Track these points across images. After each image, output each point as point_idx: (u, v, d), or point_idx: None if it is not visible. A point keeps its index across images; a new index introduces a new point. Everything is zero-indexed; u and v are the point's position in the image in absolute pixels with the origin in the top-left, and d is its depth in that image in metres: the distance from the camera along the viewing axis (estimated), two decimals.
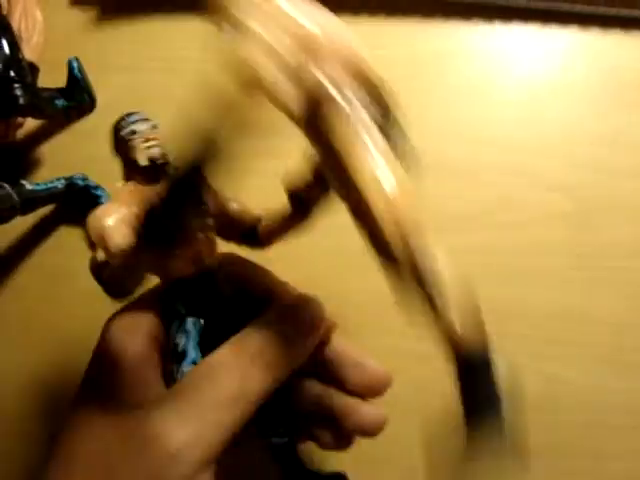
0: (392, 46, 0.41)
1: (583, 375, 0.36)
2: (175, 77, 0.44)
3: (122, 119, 0.27)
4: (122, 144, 0.27)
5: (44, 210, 0.43)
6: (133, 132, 0.27)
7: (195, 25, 0.44)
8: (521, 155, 0.39)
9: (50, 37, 0.45)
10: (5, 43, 0.38)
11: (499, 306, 0.37)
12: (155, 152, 0.26)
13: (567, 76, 0.40)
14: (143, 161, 0.26)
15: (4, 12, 0.40)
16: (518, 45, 0.40)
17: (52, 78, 0.43)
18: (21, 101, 0.38)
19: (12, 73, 0.38)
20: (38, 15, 0.43)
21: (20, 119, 0.43)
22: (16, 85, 0.38)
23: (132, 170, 0.27)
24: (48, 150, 0.44)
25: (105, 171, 0.43)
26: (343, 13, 0.42)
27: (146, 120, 0.27)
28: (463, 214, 0.39)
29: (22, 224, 0.43)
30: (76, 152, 0.44)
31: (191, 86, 0.42)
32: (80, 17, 0.46)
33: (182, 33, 0.44)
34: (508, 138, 0.39)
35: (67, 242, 0.43)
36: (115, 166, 0.43)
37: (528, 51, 0.40)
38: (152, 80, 0.44)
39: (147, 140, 0.26)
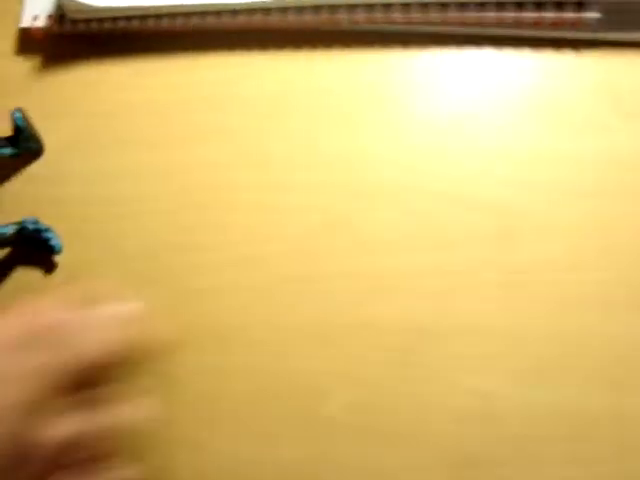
0: (328, 77, 0.43)
1: (513, 389, 0.37)
2: (118, 120, 0.46)
3: None
4: None
5: None
6: None
7: (130, 68, 0.46)
8: (439, 179, 0.40)
9: None
10: None
11: (429, 324, 0.39)
12: None
13: (483, 99, 0.41)
14: None
15: None
16: (436, 69, 0.42)
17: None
18: None
19: None
20: None
21: None
22: None
23: None
24: None
25: (55, 213, 0.45)
26: (268, 50, 0.44)
27: None
28: (386, 238, 0.40)
29: None
30: (26, 196, 0.46)
31: (136, 129, 0.44)
32: (24, 65, 0.48)
33: (118, 76, 0.46)
34: (428, 164, 0.40)
35: (24, 284, 0.45)
36: (65, 208, 0.45)
37: (446, 75, 0.41)
38: (97, 124, 0.46)
39: None
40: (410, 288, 0.39)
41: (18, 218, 0.44)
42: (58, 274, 0.45)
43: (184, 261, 0.43)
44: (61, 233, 0.45)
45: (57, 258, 0.45)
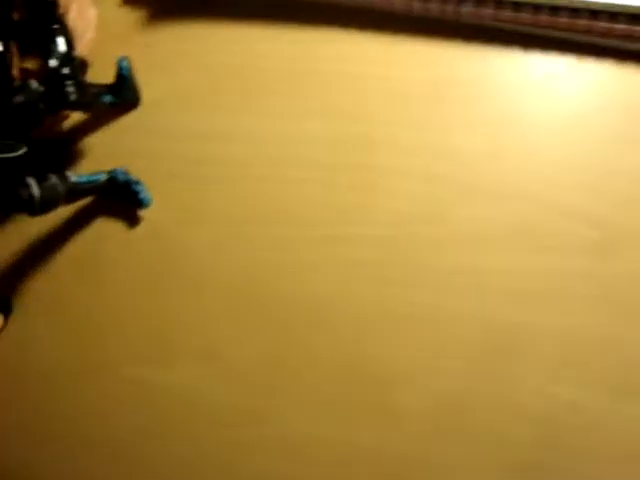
0: (429, 69, 0.42)
1: (593, 400, 0.37)
2: (216, 81, 0.45)
3: None
4: None
5: (84, 200, 0.45)
6: None
7: (239, 31, 0.46)
8: (544, 185, 0.40)
9: (100, 33, 0.47)
10: (62, 41, 0.40)
11: (520, 327, 0.39)
12: None
13: (598, 111, 0.40)
14: None
15: (61, 11, 0.41)
16: (552, 77, 0.41)
17: (101, 72, 0.45)
18: (71, 97, 0.40)
19: (65, 70, 0.40)
20: (92, 13, 0.45)
21: (67, 112, 0.45)
22: (68, 82, 0.40)
23: None
24: (92, 143, 0.46)
25: (146, 167, 0.45)
26: (385, 32, 0.43)
27: None
28: (485, 236, 0.40)
29: (63, 213, 0.45)
30: (119, 146, 0.46)
31: (236, 94, 0.44)
32: (130, 15, 0.47)
33: (227, 38, 0.46)
34: (535, 169, 0.40)
35: (104, 236, 0.45)
36: (157, 163, 0.45)
37: (562, 83, 0.41)
38: (198, 83, 0.46)
39: None
40: (501, 287, 0.39)
41: (109, 167, 0.44)
42: (141, 229, 0.45)
43: (271, 233, 0.43)
44: (148, 187, 0.45)
45: (142, 212, 0.45)
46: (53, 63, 0.40)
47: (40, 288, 0.46)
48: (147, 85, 0.46)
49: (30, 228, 0.46)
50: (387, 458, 0.39)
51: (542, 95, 0.41)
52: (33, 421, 0.44)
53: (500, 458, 0.38)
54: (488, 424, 0.38)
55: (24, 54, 0.44)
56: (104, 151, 0.46)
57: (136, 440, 0.43)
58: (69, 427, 0.44)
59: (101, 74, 0.45)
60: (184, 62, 0.46)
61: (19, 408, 0.45)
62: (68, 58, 0.40)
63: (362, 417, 0.40)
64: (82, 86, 0.41)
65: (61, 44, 0.40)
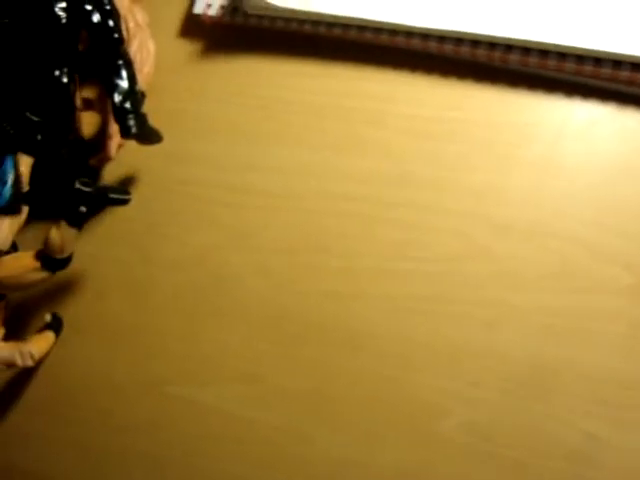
0: (474, 111, 0.44)
1: (624, 438, 0.39)
2: (266, 115, 0.47)
3: None
4: None
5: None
6: None
7: (290, 68, 0.48)
8: (585, 228, 0.42)
9: (156, 64, 0.49)
10: (126, 77, 0.42)
11: (556, 363, 0.40)
12: None
13: (637, 158, 0.42)
14: None
15: (125, 45, 0.43)
16: (593, 122, 0.43)
17: (156, 102, 0.47)
18: (133, 130, 0.42)
19: (127, 105, 0.42)
20: (152, 47, 0.47)
21: (123, 140, 0.47)
22: (130, 116, 0.42)
23: None
24: (139, 170, 0.48)
25: (195, 194, 0.47)
26: (432, 74, 0.45)
27: None
28: (525, 274, 0.42)
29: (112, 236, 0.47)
30: (168, 174, 0.48)
31: (283, 127, 0.46)
32: (186, 48, 0.50)
33: (278, 74, 0.48)
34: (575, 212, 0.42)
35: (152, 257, 0.47)
36: (205, 191, 0.47)
37: (604, 130, 0.43)
38: (245, 115, 0.48)
39: None
40: (537, 325, 0.41)
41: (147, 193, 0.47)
42: (188, 253, 0.47)
43: (317, 263, 0.44)
44: (191, 213, 0.47)
45: (189, 237, 0.47)
46: (117, 98, 0.42)
47: (89, 307, 0.48)
48: (196, 114, 0.48)
49: (82, 248, 0.47)
50: None
51: (584, 139, 0.43)
52: (81, 436, 0.46)
53: None
54: (521, 456, 0.40)
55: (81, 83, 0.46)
56: (151, 178, 0.48)
57: (179, 456, 0.44)
58: (116, 439, 0.45)
59: (154, 103, 0.47)
60: (235, 95, 0.48)
61: (67, 423, 0.47)
62: (131, 92, 0.42)
63: (400, 444, 0.41)
64: (143, 121, 0.43)
65: (125, 79, 0.42)
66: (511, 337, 0.41)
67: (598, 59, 0.41)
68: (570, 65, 0.42)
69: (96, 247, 0.49)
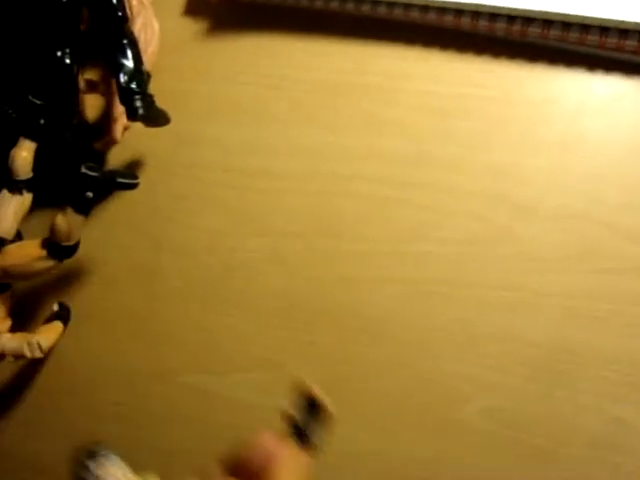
0: (493, 87, 0.43)
1: None
2: (276, 94, 0.46)
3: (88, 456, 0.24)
4: None
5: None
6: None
7: (300, 45, 0.46)
8: (607, 207, 0.40)
9: (161, 44, 0.47)
10: (131, 56, 0.41)
11: (578, 346, 0.39)
12: None
13: None
14: None
15: (129, 24, 0.41)
16: (618, 97, 0.41)
17: (160, 82, 0.45)
18: (140, 112, 0.41)
19: (134, 85, 0.41)
20: (156, 26, 0.45)
21: (129, 122, 0.45)
22: (137, 97, 0.40)
23: None
24: (144, 152, 0.47)
25: (203, 177, 0.46)
26: (449, 50, 0.43)
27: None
28: (546, 256, 0.40)
29: (120, 224, 0.46)
30: (175, 156, 0.47)
31: (295, 106, 0.44)
32: (192, 26, 0.48)
33: (287, 52, 0.46)
34: (598, 191, 0.41)
35: (162, 244, 0.46)
36: (213, 174, 0.46)
37: (625, 104, 0.41)
38: (253, 94, 0.46)
39: None
40: (562, 308, 0.40)
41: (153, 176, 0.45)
42: (198, 239, 0.45)
43: (333, 247, 0.43)
44: (200, 197, 0.46)
45: (199, 221, 0.46)
46: (123, 79, 0.40)
47: (98, 296, 0.47)
48: (203, 95, 0.47)
49: (88, 235, 0.46)
50: (444, 473, 0.40)
51: (606, 115, 0.41)
52: (91, 428, 0.45)
53: (558, 477, 0.38)
54: (544, 443, 0.39)
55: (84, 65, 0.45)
56: (157, 161, 0.47)
57: (193, 447, 0.43)
58: (128, 432, 0.45)
59: (160, 83, 0.45)
60: (243, 74, 0.47)
61: (77, 414, 0.46)
62: (137, 72, 0.41)
63: (420, 432, 0.40)
64: (150, 102, 0.41)
65: (130, 59, 0.41)
66: (533, 321, 0.40)
67: (624, 30, 0.39)
68: (593, 38, 0.40)
69: (102, 233, 0.47)
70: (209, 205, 0.46)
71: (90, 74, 0.46)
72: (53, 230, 0.40)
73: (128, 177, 0.41)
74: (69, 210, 0.40)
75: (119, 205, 0.48)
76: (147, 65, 0.44)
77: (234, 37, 0.47)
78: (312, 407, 0.30)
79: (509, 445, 0.39)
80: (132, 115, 0.41)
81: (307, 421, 0.29)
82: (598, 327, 0.39)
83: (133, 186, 0.40)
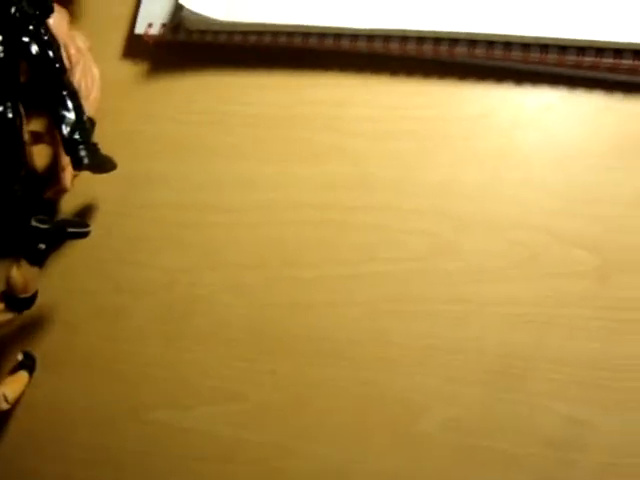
0: (426, 107, 0.44)
1: (603, 418, 0.40)
2: (217, 129, 0.47)
3: None
4: None
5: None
6: None
7: (238, 80, 0.47)
8: (546, 214, 0.42)
9: (102, 88, 0.48)
10: (71, 107, 0.41)
11: (528, 351, 0.41)
12: None
13: (594, 140, 0.42)
14: None
15: (68, 74, 0.42)
16: (546, 109, 0.43)
17: (105, 126, 0.46)
18: (85, 161, 0.41)
19: (77, 136, 0.41)
20: (96, 72, 0.46)
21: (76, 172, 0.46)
22: (81, 147, 0.41)
23: None
24: (96, 197, 0.48)
25: (155, 217, 0.47)
26: (381, 74, 0.45)
27: None
28: (492, 267, 0.42)
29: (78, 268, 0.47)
30: (126, 198, 0.47)
31: (238, 141, 0.46)
32: (131, 69, 0.49)
33: (225, 88, 0.47)
34: (535, 199, 0.42)
35: (121, 285, 0.47)
36: (165, 213, 0.46)
37: (556, 115, 0.43)
38: (199, 133, 0.47)
39: None
40: (510, 315, 0.41)
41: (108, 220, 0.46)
42: (156, 278, 0.46)
43: (285, 276, 0.44)
44: (155, 236, 0.46)
45: (156, 260, 0.46)
46: (65, 130, 0.41)
47: (63, 342, 0.47)
48: (150, 137, 0.48)
49: (48, 282, 0.47)
50: None
51: (538, 126, 0.43)
52: (67, 472, 0.46)
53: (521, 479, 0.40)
54: (505, 447, 0.40)
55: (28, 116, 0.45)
56: (111, 205, 0.47)
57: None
58: (104, 476, 0.45)
59: (103, 128, 0.46)
60: (185, 113, 0.48)
61: (51, 460, 0.46)
62: (79, 123, 0.42)
63: (384, 447, 0.41)
64: (94, 150, 0.42)
65: (71, 110, 0.41)
66: (483, 330, 0.41)
67: (544, 45, 0.41)
68: (516, 54, 0.42)
69: (63, 279, 0.48)
70: (165, 243, 0.47)
71: (35, 125, 0.47)
72: (8, 283, 0.41)
73: (79, 226, 0.41)
74: (23, 262, 0.40)
75: (77, 250, 0.48)
76: (90, 112, 0.45)
77: (173, 76, 0.48)
78: None
79: (471, 453, 0.40)
80: (77, 165, 0.41)
81: None
82: (545, 331, 0.41)
83: (84, 235, 0.41)
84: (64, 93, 0.42)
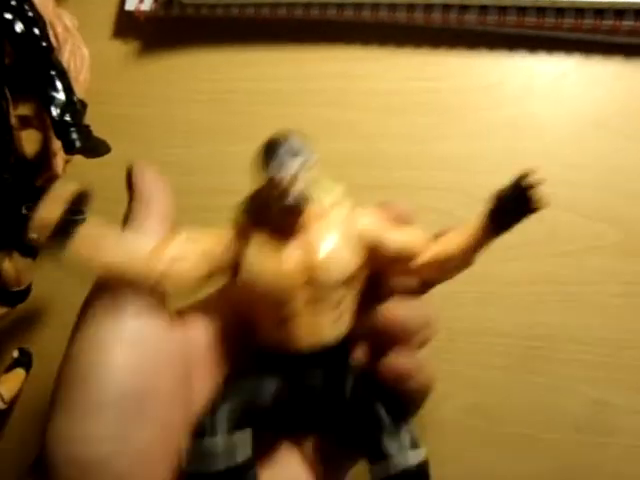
0: (436, 79, 0.42)
1: (631, 400, 0.38)
2: (221, 110, 0.44)
3: (277, 143, 0.24)
4: (263, 170, 0.23)
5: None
6: (280, 165, 0.23)
7: (235, 56, 0.45)
8: (563, 187, 0.40)
9: (92, 69, 0.45)
10: (61, 88, 0.39)
11: (550, 331, 0.39)
12: (294, 196, 0.23)
13: (611, 108, 0.40)
14: (279, 200, 0.23)
15: (55, 54, 0.40)
16: (562, 76, 0.41)
17: (94, 108, 0.44)
18: (77, 144, 0.39)
19: (68, 117, 0.39)
20: (85, 52, 0.44)
21: (69, 156, 0.44)
22: (72, 129, 0.39)
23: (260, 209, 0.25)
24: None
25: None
26: (387, 45, 0.43)
27: (300, 155, 0.23)
28: (511, 244, 0.40)
29: None
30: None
31: (235, 119, 0.43)
32: (122, 48, 0.46)
33: (223, 64, 0.45)
34: (552, 172, 0.40)
35: None
36: None
37: (569, 83, 0.41)
38: (196, 112, 0.45)
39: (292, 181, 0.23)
40: (529, 295, 0.39)
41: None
42: None
43: None
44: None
45: None
46: (55, 112, 0.38)
47: (59, 337, 0.45)
48: (144, 119, 0.45)
49: (42, 274, 0.44)
50: (432, 473, 0.39)
51: (552, 94, 0.41)
52: None
53: (546, 465, 0.38)
54: (532, 432, 0.38)
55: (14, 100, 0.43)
56: (107, 190, 0.45)
57: None
58: None
59: (94, 110, 0.43)
60: (178, 91, 0.45)
61: None
62: (69, 104, 0.39)
63: None
64: (86, 132, 0.40)
65: (60, 90, 0.39)
66: (502, 311, 0.40)
67: (560, 9, 0.39)
68: (530, 19, 0.39)
69: (56, 271, 0.45)
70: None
71: (23, 109, 0.44)
72: (1, 276, 0.39)
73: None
74: (15, 254, 0.38)
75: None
76: (80, 94, 0.43)
77: (167, 55, 0.46)
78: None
79: (495, 438, 0.39)
80: (69, 148, 0.39)
81: None
82: (568, 310, 0.39)
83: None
84: (52, 73, 0.39)
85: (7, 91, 0.40)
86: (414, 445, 0.26)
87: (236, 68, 0.44)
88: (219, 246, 0.26)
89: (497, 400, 0.39)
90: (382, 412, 0.25)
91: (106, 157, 0.42)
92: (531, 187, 0.25)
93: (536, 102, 0.41)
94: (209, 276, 0.26)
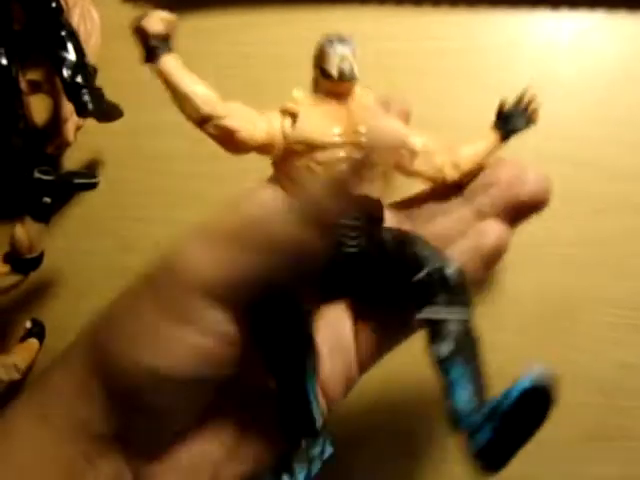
0: (453, 37, 0.41)
1: None
2: (232, 73, 0.43)
3: (333, 36, 0.29)
4: (320, 54, 0.28)
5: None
6: (331, 42, 0.28)
7: (249, 19, 0.44)
8: (587, 146, 0.39)
9: (102, 34, 0.44)
10: (72, 49, 0.38)
11: (571, 294, 0.38)
12: (346, 67, 0.28)
13: (635, 65, 0.39)
14: (334, 71, 0.28)
15: (65, 15, 0.39)
16: (583, 33, 0.40)
17: (105, 74, 0.43)
18: (90, 107, 0.38)
19: (79, 79, 0.38)
20: (95, 16, 0.43)
21: (81, 121, 0.43)
22: (84, 91, 0.38)
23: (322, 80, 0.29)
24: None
25: (151, 168, 0.43)
26: (406, 4, 0.42)
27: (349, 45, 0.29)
28: None
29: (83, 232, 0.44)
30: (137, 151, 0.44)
31: (244, 84, 0.42)
32: (133, 12, 0.45)
33: (236, 27, 0.44)
34: (575, 131, 0.39)
35: (131, 243, 0.44)
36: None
37: (594, 39, 0.40)
38: (209, 77, 0.44)
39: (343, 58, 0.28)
40: (554, 256, 0.39)
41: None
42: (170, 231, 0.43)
43: None
44: (166, 189, 0.43)
45: (167, 215, 0.43)
46: (67, 73, 0.38)
47: (72, 307, 0.45)
48: (155, 84, 0.44)
49: (53, 244, 0.44)
50: None
51: (575, 52, 0.40)
52: None
53: (572, 429, 0.37)
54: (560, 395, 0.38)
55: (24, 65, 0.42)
56: (119, 158, 0.44)
57: None
58: None
59: (105, 76, 0.43)
60: (190, 57, 0.44)
61: None
62: (80, 65, 0.38)
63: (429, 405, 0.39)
64: (99, 95, 0.39)
65: (71, 51, 0.38)
66: (525, 273, 0.39)
67: None
68: None
69: (68, 240, 0.45)
70: (179, 197, 0.43)
71: (32, 74, 0.43)
72: (13, 243, 0.38)
73: (86, 177, 0.38)
74: (28, 219, 0.38)
75: (83, 209, 0.45)
76: (91, 58, 0.42)
77: (179, 18, 0.44)
78: None
79: None
80: (81, 111, 0.38)
81: None
82: (593, 272, 0.38)
83: (93, 186, 0.38)
84: (62, 34, 0.38)
85: (17, 56, 0.40)
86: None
87: (247, 30, 0.43)
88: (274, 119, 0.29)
89: (520, 364, 0.38)
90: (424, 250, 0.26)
91: (116, 123, 0.41)
92: (529, 102, 0.31)
93: (559, 61, 0.40)
94: (263, 144, 0.28)
